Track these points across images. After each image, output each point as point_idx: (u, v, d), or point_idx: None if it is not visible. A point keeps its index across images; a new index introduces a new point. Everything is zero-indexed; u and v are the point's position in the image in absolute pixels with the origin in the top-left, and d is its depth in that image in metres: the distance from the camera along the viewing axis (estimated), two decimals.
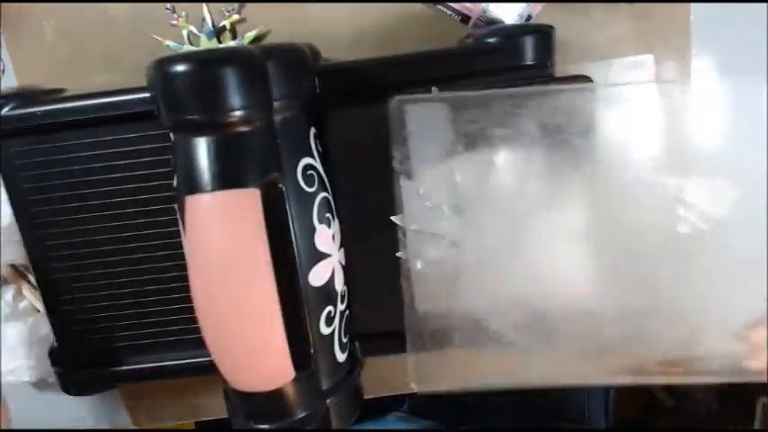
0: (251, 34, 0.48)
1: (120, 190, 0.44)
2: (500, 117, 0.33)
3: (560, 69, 0.44)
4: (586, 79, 0.42)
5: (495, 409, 0.73)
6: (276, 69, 0.36)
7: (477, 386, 0.51)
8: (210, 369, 0.39)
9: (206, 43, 0.49)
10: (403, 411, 0.74)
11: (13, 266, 0.53)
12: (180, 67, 0.34)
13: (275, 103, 0.37)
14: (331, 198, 0.42)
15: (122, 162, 0.43)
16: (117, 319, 0.47)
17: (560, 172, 0.36)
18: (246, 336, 0.37)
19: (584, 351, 0.38)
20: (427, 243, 0.44)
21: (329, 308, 0.41)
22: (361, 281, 0.46)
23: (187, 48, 0.49)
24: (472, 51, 0.43)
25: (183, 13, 0.48)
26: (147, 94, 0.37)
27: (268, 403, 0.39)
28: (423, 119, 0.37)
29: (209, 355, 0.38)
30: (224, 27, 0.48)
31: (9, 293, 0.54)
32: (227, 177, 0.35)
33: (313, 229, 0.39)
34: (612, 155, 0.36)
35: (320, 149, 0.42)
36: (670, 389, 1.02)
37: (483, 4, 0.46)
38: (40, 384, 0.59)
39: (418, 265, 0.45)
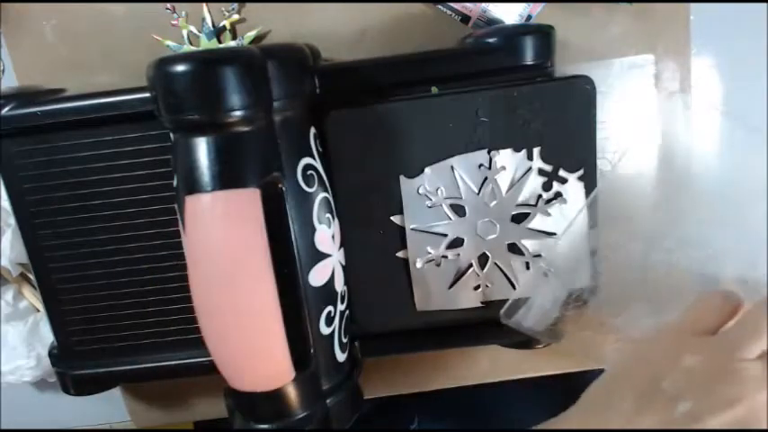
0: (251, 34, 0.48)
1: (120, 190, 0.44)
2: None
3: (560, 69, 0.44)
4: (586, 79, 0.42)
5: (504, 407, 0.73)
6: (276, 69, 0.36)
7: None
8: (210, 369, 0.39)
9: (206, 43, 0.49)
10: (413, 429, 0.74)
11: (20, 266, 0.53)
12: (180, 67, 0.34)
13: (275, 103, 0.37)
14: (331, 198, 0.42)
15: (122, 162, 0.43)
16: (117, 320, 0.47)
17: None
18: (246, 336, 0.37)
19: None
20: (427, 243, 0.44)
21: (329, 308, 0.41)
22: (361, 281, 0.46)
23: (187, 48, 0.49)
24: (472, 51, 0.43)
25: (183, 13, 0.48)
26: (147, 94, 0.37)
27: (268, 403, 0.39)
28: None
29: (208, 355, 0.38)
30: (224, 27, 0.48)
31: (9, 293, 0.54)
32: (227, 177, 0.35)
33: (313, 230, 0.39)
34: None
35: (320, 149, 0.42)
36: None
37: (483, 4, 0.46)
38: (40, 384, 0.59)
39: (418, 265, 0.45)
